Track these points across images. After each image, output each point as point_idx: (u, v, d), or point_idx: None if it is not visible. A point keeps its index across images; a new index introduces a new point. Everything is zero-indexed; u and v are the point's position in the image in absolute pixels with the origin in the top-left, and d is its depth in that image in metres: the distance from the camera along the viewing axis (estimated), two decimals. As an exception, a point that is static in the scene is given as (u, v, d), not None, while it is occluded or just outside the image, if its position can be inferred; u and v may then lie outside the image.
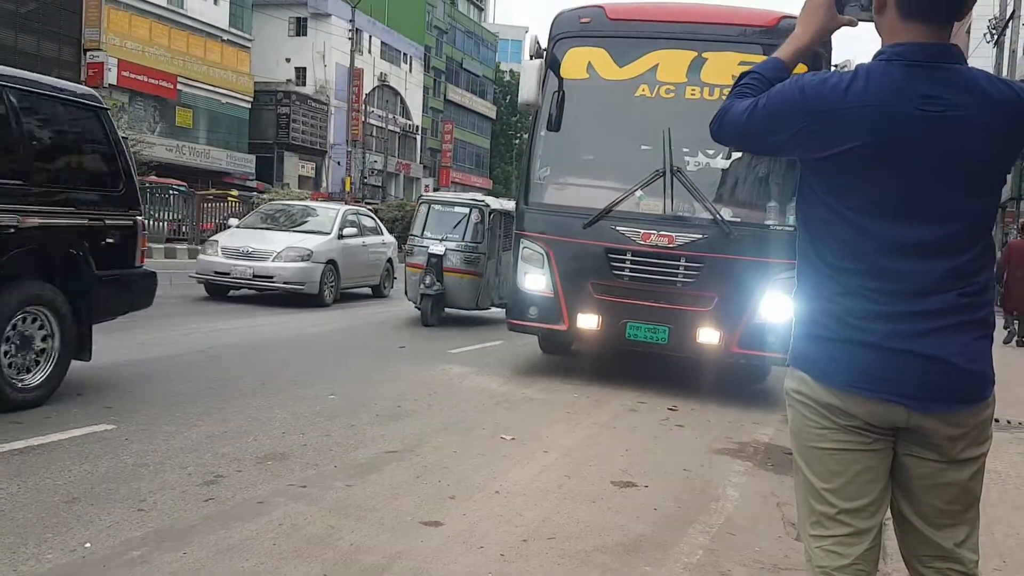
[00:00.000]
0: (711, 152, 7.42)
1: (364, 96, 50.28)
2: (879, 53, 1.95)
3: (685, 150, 7.28)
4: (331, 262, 12.91)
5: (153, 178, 28.74)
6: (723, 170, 7.52)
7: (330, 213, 14.09)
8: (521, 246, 7.66)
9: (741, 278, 7.02)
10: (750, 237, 7.11)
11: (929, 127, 1.85)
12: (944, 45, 1.91)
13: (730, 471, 5.39)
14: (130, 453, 4.60)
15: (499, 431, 5.76)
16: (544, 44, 7.76)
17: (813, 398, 1.97)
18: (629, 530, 4.09)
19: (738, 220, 7.20)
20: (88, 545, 3.34)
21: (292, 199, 23.08)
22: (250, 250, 12.38)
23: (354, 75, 46.04)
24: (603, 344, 8.04)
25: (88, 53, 36.96)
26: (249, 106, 45.02)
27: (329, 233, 13.25)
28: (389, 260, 15.28)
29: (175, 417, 5.42)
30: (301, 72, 49.12)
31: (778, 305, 6.89)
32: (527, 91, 7.60)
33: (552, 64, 7.61)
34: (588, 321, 7.36)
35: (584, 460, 5.27)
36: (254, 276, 12.24)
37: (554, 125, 7.54)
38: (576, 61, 7.61)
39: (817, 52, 6.42)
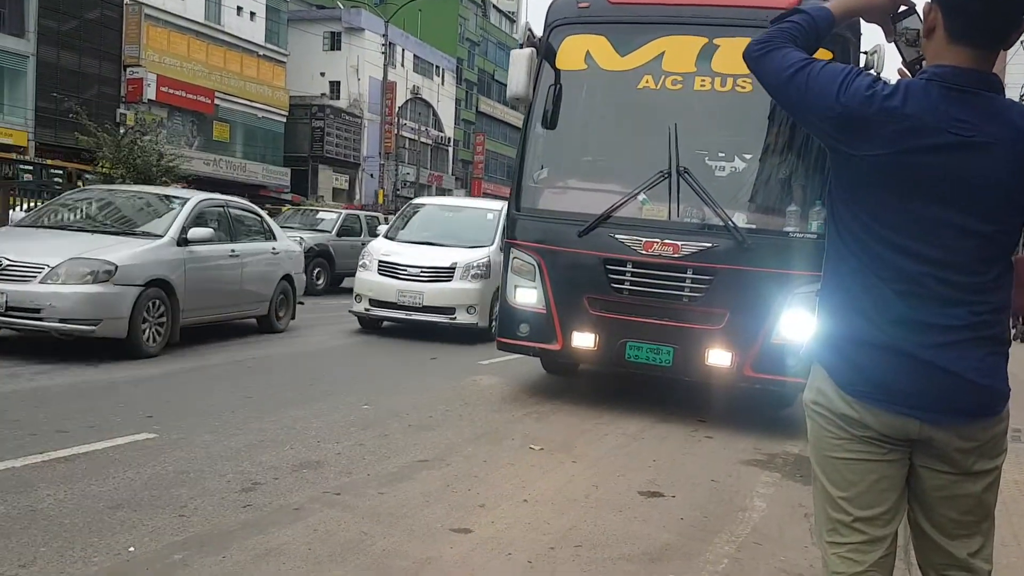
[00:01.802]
0: (723, 151, 6.89)
1: (397, 109, 50.80)
2: (921, 72, 2.00)
3: (694, 148, 6.61)
4: (159, 283, 7.99)
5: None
6: (737, 170, 6.89)
7: (174, 206, 9.02)
8: (511, 256, 6.99)
9: (756, 292, 6.30)
10: (767, 246, 6.36)
11: (955, 150, 1.89)
12: (985, 73, 1.94)
13: (758, 482, 5.42)
14: (171, 461, 4.76)
15: (528, 441, 5.85)
16: (538, 32, 7.07)
17: (830, 409, 2.03)
18: (655, 539, 4.16)
19: (753, 227, 6.47)
20: (132, 549, 3.49)
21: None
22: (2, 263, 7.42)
23: (387, 88, 46.53)
24: (600, 366, 7.42)
25: (128, 69, 37.82)
26: (284, 120, 45.74)
27: (161, 236, 8.34)
28: (287, 279, 10.63)
29: (214, 426, 5.58)
30: (335, 86, 49.79)
31: (799, 324, 6.12)
32: (516, 84, 6.83)
33: (547, 54, 6.91)
34: (584, 340, 6.67)
35: (612, 470, 5.34)
36: (6, 308, 7.34)
37: (548, 122, 6.95)
38: (573, 50, 6.90)
39: (845, 37, 6.09)
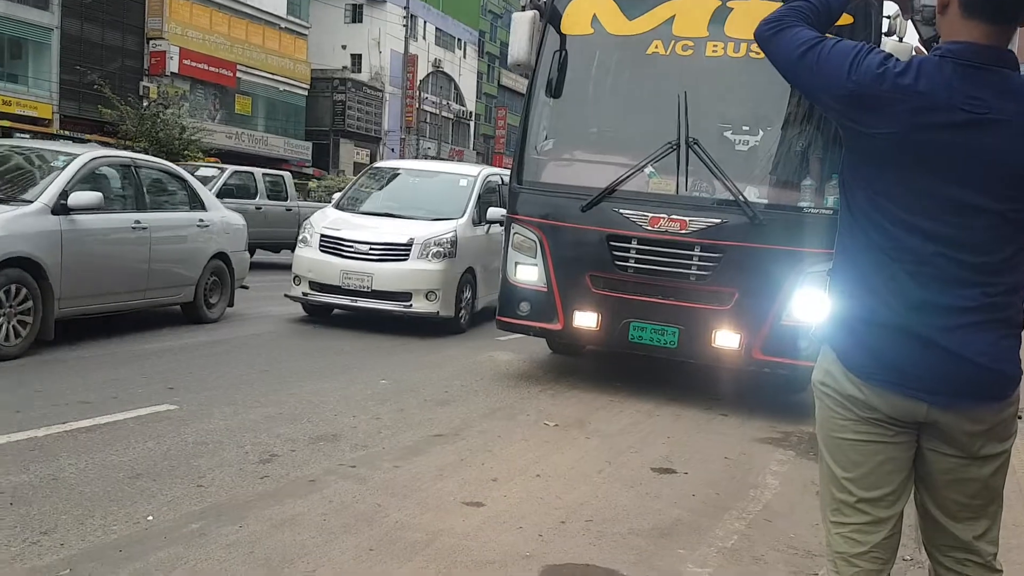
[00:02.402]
0: (735, 121, 6.51)
1: (418, 82, 50.63)
2: (935, 49, 1.97)
3: (704, 118, 6.30)
4: (19, 263, 6.26)
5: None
6: (750, 142, 6.50)
7: (58, 165, 7.15)
8: (512, 232, 6.73)
9: (767, 271, 6.05)
10: (779, 222, 6.08)
11: (968, 127, 1.87)
12: (1000, 49, 1.92)
13: (772, 460, 5.44)
14: (191, 432, 4.84)
15: (543, 417, 5.89)
16: None
17: (837, 389, 2.02)
18: (666, 514, 4.19)
19: (765, 202, 6.20)
20: (151, 518, 3.56)
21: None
22: None
23: (408, 61, 46.38)
24: (603, 346, 7.13)
25: (151, 42, 37.95)
26: (306, 93, 45.71)
27: (30, 202, 6.57)
28: (222, 258, 8.74)
29: (234, 398, 5.66)
30: (357, 59, 49.65)
31: (811, 304, 5.90)
32: (518, 49, 6.56)
33: (552, 18, 6.62)
34: (586, 320, 6.45)
35: (625, 447, 5.37)
36: None
37: (552, 90, 6.67)
38: (579, 14, 6.59)
39: (868, 2, 5.97)
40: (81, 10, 34.46)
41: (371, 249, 8.79)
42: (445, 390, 6.47)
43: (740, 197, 6.06)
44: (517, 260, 6.67)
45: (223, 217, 9.04)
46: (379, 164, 12.02)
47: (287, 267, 10.35)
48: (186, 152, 20.66)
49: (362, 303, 8.78)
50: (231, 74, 41.24)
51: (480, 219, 9.53)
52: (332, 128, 46.59)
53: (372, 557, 3.37)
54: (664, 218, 6.18)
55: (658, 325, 6.27)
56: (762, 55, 6.77)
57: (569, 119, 7.05)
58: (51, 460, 4.12)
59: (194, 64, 39.08)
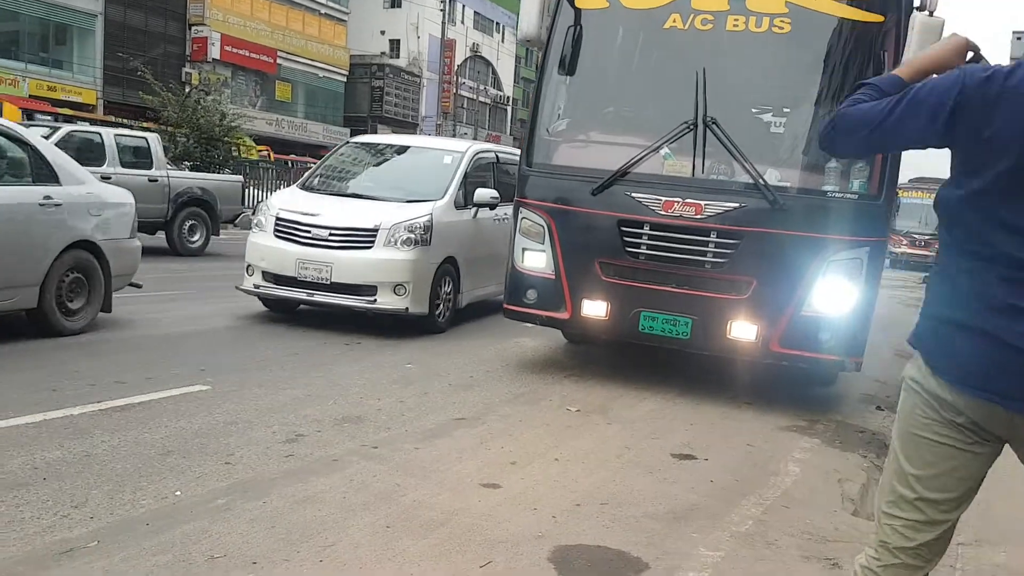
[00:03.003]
0: (756, 99, 6.24)
1: (456, 67, 50.66)
2: None
3: (723, 97, 5.99)
4: None
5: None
6: (771, 122, 6.24)
7: None
8: (519, 216, 6.51)
9: (787, 259, 5.80)
10: (801, 207, 5.84)
11: None
12: None
13: (795, 447, 5.44)
14: (222, 412, 4.98)
15: (566, 403, 5.94)
16: None
17: (926, 388, 1.99)
18: (682, 499, 4.23)
19: (787, 185, 5.91)
20: (178, 493, 3.69)
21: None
22: None
23: (446, 46, 46.45)
24: (612, 337, 6.69)
25: (193, 28, 38.47)
26: (345, 79, 46.06)
27: None
28: (88, 248, 6.74)
29: (264, 380, 5.80)
30: (395, 44, 49.84)
31: (835, 294, 5.74)
32: (527, 23, 6.32)
33: None
34: (595, 309, 6.23)
35: (646, 433, 5.41)
36: None
37: (564, 67, 6.41)
38: None
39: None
40: (125, -3, 35.04)
41: (331, 235, 7.66)
42: (470, 375, 6.55)
43: (760, 180, 5.78)
44: (524, 246, 6.48)
45: (89, 193, 6.88)
46: (358, 139, 10.50)
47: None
48: (227, 138, 20.91)
49: (320, 297, 7.71)
50: (271, 60, 41.69)
51: (466, 201, 8.46)
52: (370, 114, 46.88)
53: (388, 534, 3.47)
54: (678, 202, 5.94)
55: (670, 315, 6.04)
56: (786, 29, 6.56)
57: (581, 98, 6.77)
58: (85, 437, 4.28)
59: (235, 50, 39.56)
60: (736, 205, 5.87)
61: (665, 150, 6.05)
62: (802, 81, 6.29)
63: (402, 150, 9.69)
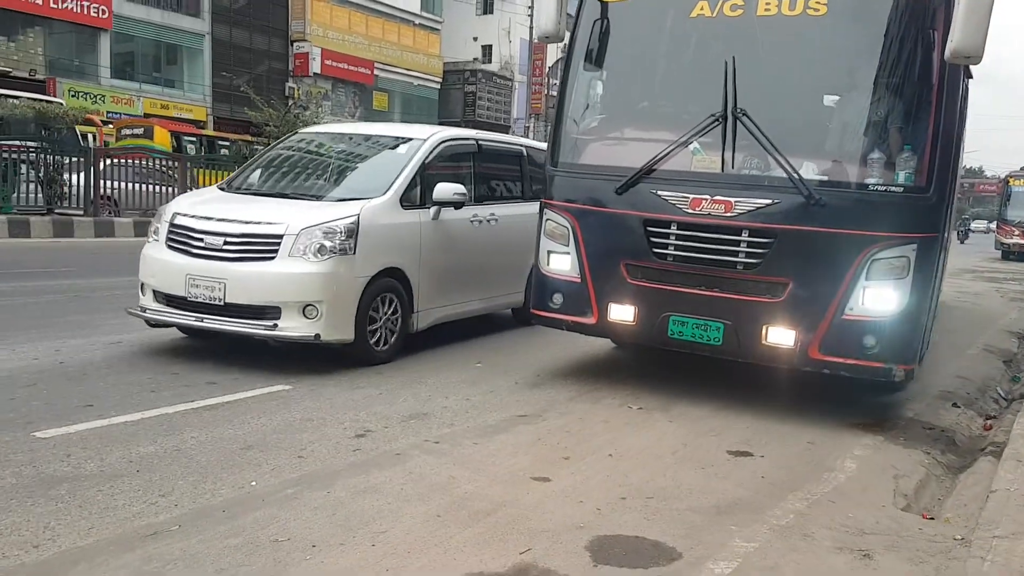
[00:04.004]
0: (791, 88, 5.93)
1: (547, 69, 50.96)
2: None
3: (755, 86, 5.65)
4: None
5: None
6: (807, 111, 5.94)
7: None
8: (544, 218, 6.34)
9: (826, 258, 5.48)
10: (840, 202, 5.50)
11: None
12: None
13: (857, 444, 5.46)
14: (300, 409, 5.38)
15: (628, 401, 6.11)
16: None
17: None
18: (729, 494, 4.37)
19: (825, 179, 5.56)
20: (254, 483, 4.08)
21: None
22: None
23: (535, 48, 46.78)
24: (640, 343, 6.45)
25: (294, 44, 40.10)
26: (439, 87, 47.06)
27: None
28: None
29: (340, 380, 6.19)
30: (487, 50, 50.57)
31: (879, 296, 5.40)
32: (545, 18, 6.18)
33: None
34: (622, 313, 6.01)
35: (706, 430, 5.53)
36: None
37: (587, 62, 6.23)
38: None
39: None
40: (230, 15, 36.83)
41: (226, 243, 6.22)
42: (537, 373, 6.80)
43: (794, 174, 5.46)
44: (550, 248, 6.30)
45: None
46: (310, 128, 9.14)
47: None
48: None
49: (210, 322, 6.26)
50: (369, 72, 43.04)
51: (423, 199, 7.06)
52: (463, 119, 47.66)
53: (438, 522, 3.75)
54: (707, 199, 5.67)
55: (700, 320, 5.77)
56: (822, 11, 6.33)
57: (606, 94, 6.52)
58: (176, 433, 4.73)
59: (335, 64, 41.03)
60: (769, 202, 5.56)
61: (694, 145, 5.79)
62: (840, 66, 5.93)
63: (355, 139, 8.12)
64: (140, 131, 25.57)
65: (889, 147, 5.56)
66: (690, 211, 5.73)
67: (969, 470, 5.33)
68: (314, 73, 39.89)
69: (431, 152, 7.32)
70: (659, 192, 5.83)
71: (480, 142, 8.22)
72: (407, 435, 5.01)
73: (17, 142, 15.69)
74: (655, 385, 6.62)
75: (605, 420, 5.61)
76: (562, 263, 6.24)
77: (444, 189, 7.07)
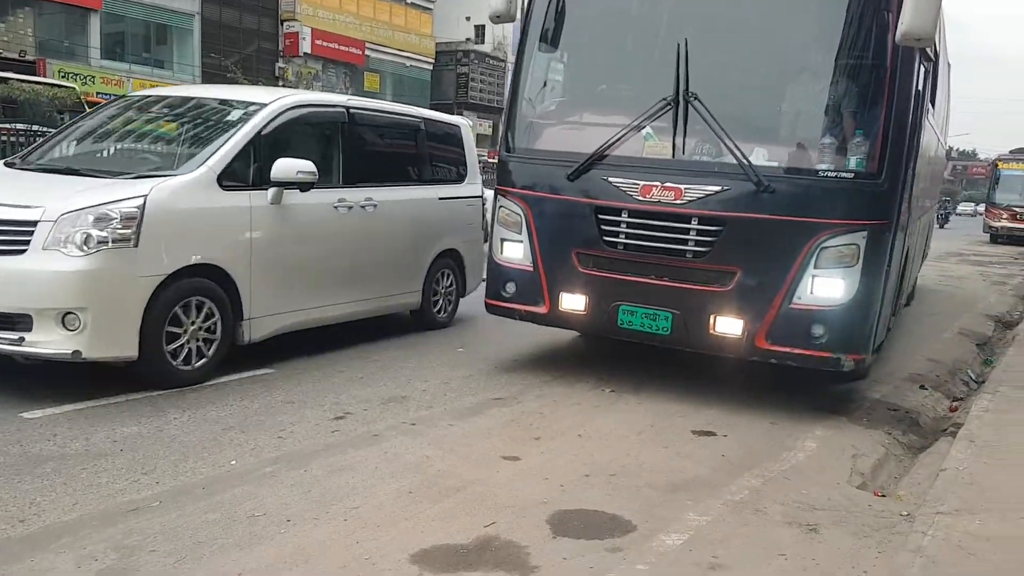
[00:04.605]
0: (744, 70, 5.83)
1: (540, 51, 50.89)
2: None
3: (707, 69, 5.56)
4: None
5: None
6: (759, 95, 5.82)
7: None
8: (498, 206, 6.27)
9: (773, 246, 5.41)
10: (790, 189, 5.43)
11: None
12: None
13: (819, 425, 5.65)
14: (282, 392, 5.56)
15: (601, 384, 6.28)
16: None
17: None
18: (687, 472, 4.57)
19: (775, 165, 5.49)
20: (233, 463, 4.26)
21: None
22: None
23: (529, 31, 46.64)
24: (592, 333, 6.49)
25: (284, 24, 39.93)
26: (431, 68, 46.91)
27: None
28: None
29: (323, 363, 6.37)
30: (480, 30, 50.33)
31: (828, 285, 5.36)
32: None
33: None
34: (573, 302, 5.96)
35: (673, 411, 5.71)
36: None
37: (541, 44, 6.15)
38: None
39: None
40: (220, -4, 36.65)
41: None
42: (515, 358, 6.98)
43: (743, 160, 5.39)
44: (503, 236, 6.23)
45: None
46: (136, 93, 7.42)
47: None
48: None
49: None
50: (360, 52, 42.86)
51: (259, 179, 5.79)
52: (456, 100, 47.58)
53: (409, 498, 3.94)
54: (657, 186, 5.59)
55: (650, 309, 5.72)
56: None
57: (560, 77, 6.43)
58: (160, 415, 4.91)
59: (325, 44, 40.84)
60: (718, 188, 5.49)
61: (647, 130, 5.73)
62: (793, 50, 5.84)
63: (190, 104, 6.58)
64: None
65: (841, 132, 5.54)
66: (641, 198, 5.66)
67: (928, 450, 5.53)
68: (304, 53, 39.73)
69: (272, 120, 6.03)
70: (610, 179, 5.77)
71: (352, 110, 6.89)
72: (385, 417, 5.19)
73: (37, 127, 15.76)
74: (628, 368, 6.79)
75: (577, 403, 5.80)
76: (515, 251, 6.18)
77: (285, 166, 5.81)
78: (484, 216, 8.47)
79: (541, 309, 6.13)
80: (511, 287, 6.22)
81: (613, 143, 5.75)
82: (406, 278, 7.47)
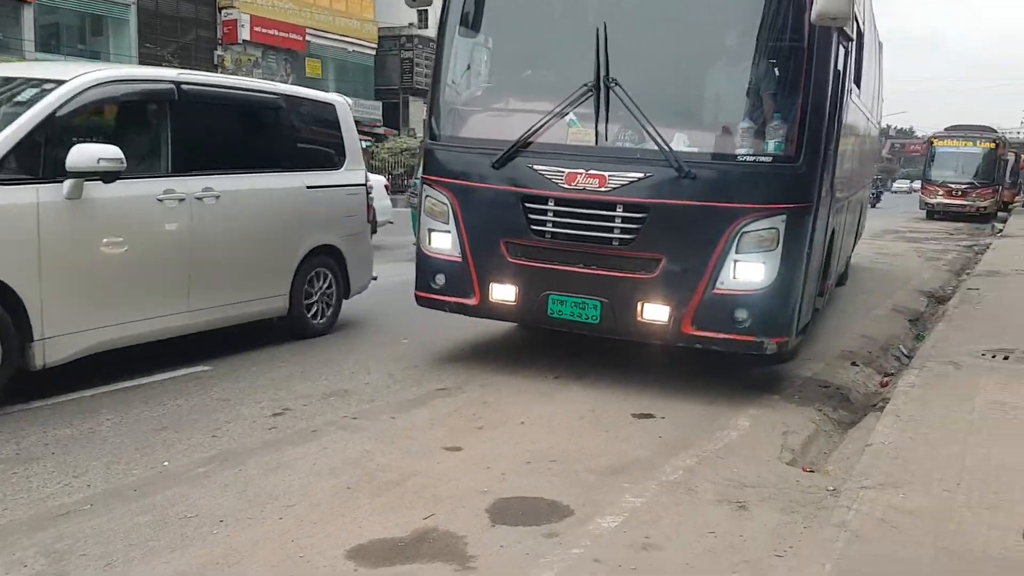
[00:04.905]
0: (663, 55, 5.81)
1: (484, 36, 50.74)
2: None
3: (628, 54, 5.50)
4: None
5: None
6: (679, 80, 5.80)
7: None
8: (424, 195, 6.18)
9: (696, 232, 5.42)
10: (710, 174, 5.45)
11: None
12: None
13: (752, 404, 5.78)
14: (218, 390, 5.50)
15: (546, 371, 6.30)
16: None
17: None
18: (626, 455, 4.64)
19: (695, 150, 5.50)
20: (166, 463, 4.21)
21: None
22: None
23: (473, 15, 46.42)
24: (523, 323, 6.42)
25: (222, 11, 39.15)
26: (374, 53, 46.39)
27: None
28: None
29: (262, 358, 6.31)
30: (423, 14, 49.71)
31: (748, 269, 5.39)
32: None
33: None
34: (503, 293, 5.88)
35: (616, 396, 5.77)
36: None
37: (463, 29, 6.05)
38: None
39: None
40: (154, -16, 35.79)
41: None
42: (461, 348, 6.99)
43: (664, 146, 5.37)
44: (430, 227, 6.11)
45: None
46: None
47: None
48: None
49: None
50: (300, 38, 42.20)
51: (51, 169, 4.94)
52: (401, 87, 47.22)
53: (347, 494, 3.94)
54: (581, 174, 5.54)
55: (578, 298, 5.69)
56: None
57: (483, 62, 6.33)
58: (93, 416, 4.83)
59: (264, 31, 40.13)
60: (641, 175, 5.46)
61: (571, 116, 5.66)
62: (710, 32, 5.80)
63: None
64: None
65: (760, 116, 5.52)
66: (566, 186, 5.60)
67: (858, 425, 5.70)
68: (243, 40, 39.00)
69: (70, 100, 5.11)
70: (535, 167, 5.69)
71: (185, 86, 5.90)
72: (325, 412, 5.17)
73: None
74: (574, 354, 6.82)
75: (522, 390, 5.83)
76: (443, 242, 6.08)
77: (83, 153, 4.93)
78: (370, 206, 7.75)
79: (471, 301, 6.03)
80: (440, 279, 6.12)
81: (537, 130, 5.68)
82: (265, 281, 6.56)
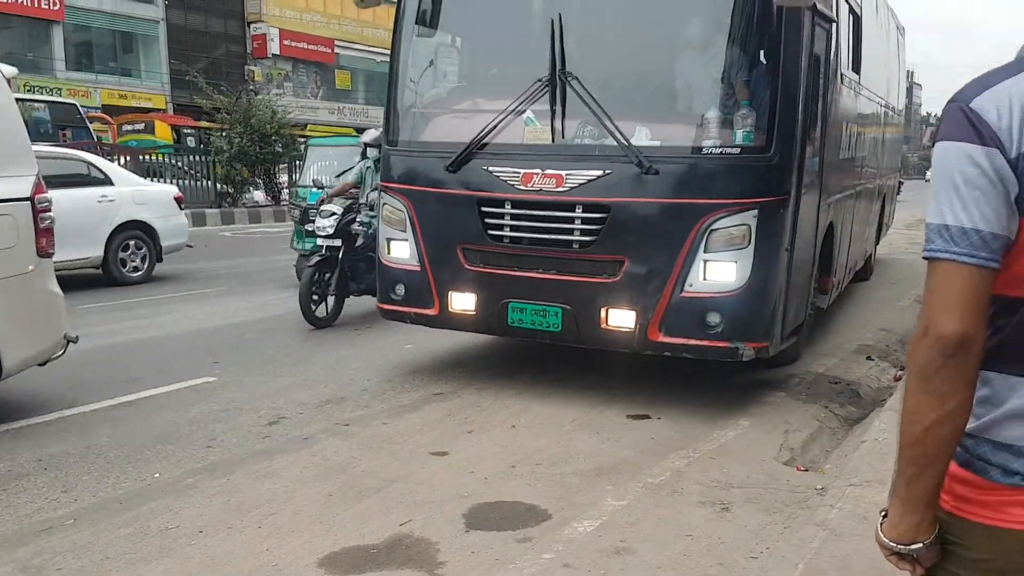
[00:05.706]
0: (621, 45, 5.59)
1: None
2: None
3: (582, 46, 5.33)
4: None
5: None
6: (639, 70, 5.56)
7: None
8: (382, 203, 6.02)
9: (660, 232, 5.10)
10: (674, 169, 5.12)
11: None
12: None
13: (756, 402, 5.70)
14: (219, 401, 5.58)
15: (544, 372, 6.32)
16: None
17: None
18: (614, 456, 4.61)
19: (657, 144, 5.17)
20: (157, 475, 4.28)
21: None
22: None
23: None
24: (483, 332, 6.15)
25: (251, 26, 39.76)
26: (402, 61, 46.77)
27: None
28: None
29: (267, 368, 6.38)
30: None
31: (719, 270, 5.06)
32: None
33: None
34: (463, 302, 5.67)
35: (614, 396, 5.73)
36: None
37: (416, 28, 5.89)
38: None
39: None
40: (183, 1, 36.46)
41: None
42: (463, 351, 7.00)
43: (624, 140, 5.08)
44: (389, 236, 5.95)
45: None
46: None
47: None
48: (275, 136, 21.64)
49: None
50: (329, 50, 42.74)
51: None
52: (429, 93, 47.48)
53: (328, 501, 3.97)
54: (538, 174, 5.27)
55: (539, 305, 5.41)
56: None
57: (438, 62, 6.16)
58: (90, 431, 4.92)
59: (294, 44, 40.73)
60: (600, 173, 5.17)
61: (528, 114, 5.42)
62: (675, 20, 5.53)
63: None
64: (141, 126, 26.67)
65: (727, 105, 5.20)
66: (522, 187, 5.33)
67: (863, 422, 5.59)
68: (273, 54, 39.63)
69: None
70: (491, 168, 5.45)
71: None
72: (319, 420, 5.21)
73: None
74: (574, 355, 6.73)
75: (517, 393, 5.82)
76: (401, 251, 5.89)
77: None
78: (37, 229, 4.90)
79: (431, 311, 5.82)
80: (400, 289, 5.93)
81: (492, 130, 5.44)
82: None
